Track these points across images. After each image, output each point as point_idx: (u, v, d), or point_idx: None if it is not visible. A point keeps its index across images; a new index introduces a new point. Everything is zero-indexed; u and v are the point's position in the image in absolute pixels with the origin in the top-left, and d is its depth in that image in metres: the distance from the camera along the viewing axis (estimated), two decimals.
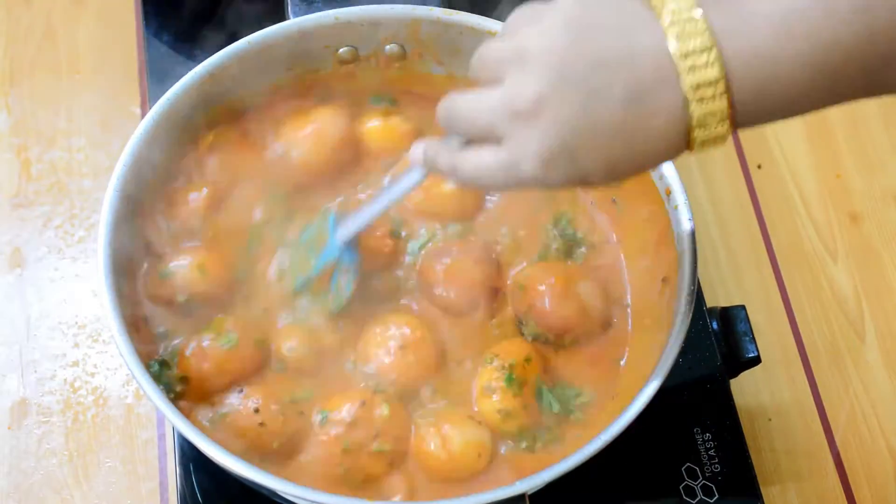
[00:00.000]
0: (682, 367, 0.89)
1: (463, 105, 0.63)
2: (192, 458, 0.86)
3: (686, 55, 0.56)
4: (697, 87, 0.56)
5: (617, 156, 0.59)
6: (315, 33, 0.87)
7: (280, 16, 0.93)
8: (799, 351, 1.03)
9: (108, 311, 0.75)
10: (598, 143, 0.58)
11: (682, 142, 0.58)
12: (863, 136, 1.14)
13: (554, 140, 0.58)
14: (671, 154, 0.60)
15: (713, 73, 0.56)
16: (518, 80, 0.59)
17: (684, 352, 0.75)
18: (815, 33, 0.55)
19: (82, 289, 1.00)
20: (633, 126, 0.57)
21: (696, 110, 0.57)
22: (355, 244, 0.81)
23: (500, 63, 0.60)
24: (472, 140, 0.63)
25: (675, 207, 0.80)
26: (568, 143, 0.58)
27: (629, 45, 0.57)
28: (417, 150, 0.68)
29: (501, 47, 0.60)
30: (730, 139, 0.59)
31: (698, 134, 0.57)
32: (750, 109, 0.57)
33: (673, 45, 0.56)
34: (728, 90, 0.56)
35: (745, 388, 0.99)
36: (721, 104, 0.56)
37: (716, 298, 1.03)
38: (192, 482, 0.86)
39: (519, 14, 0.61)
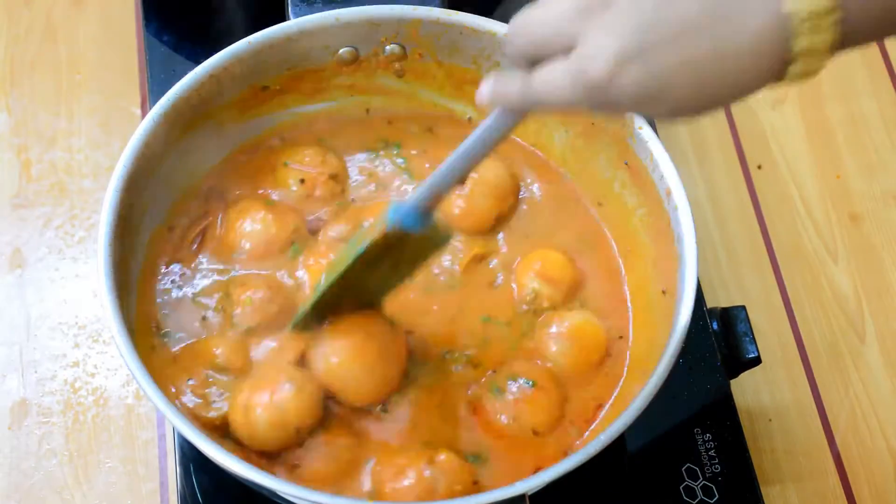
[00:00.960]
0: (682, 367, 0.89)
1: (531, 15, 0.59)
2: (192, 458, 0.86)
3: None
4: None
5: (700, 62, 0.53)
6: (315, 33, 0.87)
7: (280, 16, 0.93)
8: (799, 351, 1.03)
9: (108, 312, 0.74)
10: (678, 42, 0.53)
11: (777, 55, 0.53)
12: (863, 137, 1.14)
13: (627, 34, 0.53)
14: (762, 72, 0.53)
15: None
16: None
17: (684, 352, 0.75)
18: None
19: (82, 289, 1.00)
20: (717, 25, 0.52)
21: (796, 4, 0.51)
22: (426, 212, 0.71)
23: None
24: (541, 57, 0.59)
25: (675, 207, 0.80)
26: (642, 39, 0.53)
27: None
28: (485, 87, 0.63)
29: None
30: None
31: (800, 42, 0.52)
32: (859, 15, 0.52)
33: None
34: None
35: (746, 389, 0.99)
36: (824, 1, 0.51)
37: (716, 299, 1.03)
38: (192, 482, 0.86)
39: None
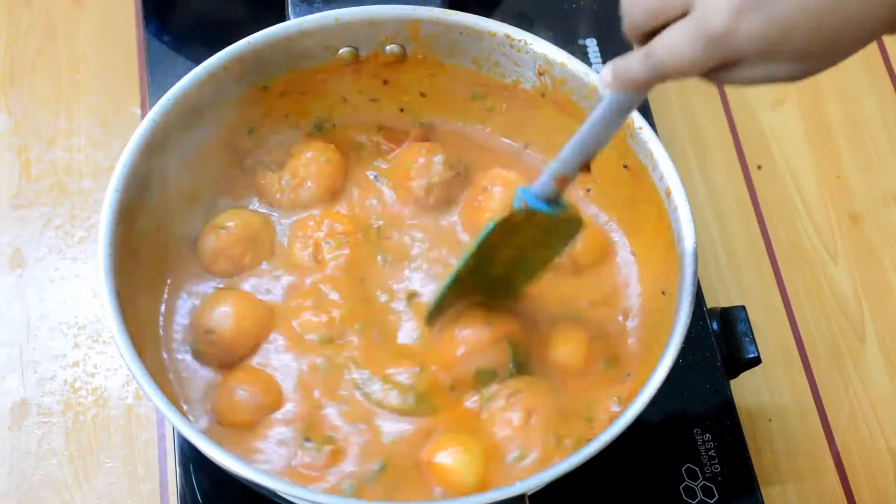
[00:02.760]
0: (682, 368, 0.89)
1: None
2: (192, 459, 0.86)
3: None
4: None
5: (817, 4, 0.55)
6: (315, 34, 0.87)
7: (280, 16, 0.93)
8: (799, 351, 1.03)
9: (107, 312, 0.74)
10: None
11: None
12: (863, 137, 1.14)
13: None
14: (883, 10, 0.55)
15: None
16: None
17: (684, 352, 0.75)
18: None
19: (82, 289, 1.00)
20: None
21: None
22: (553, 194, 0.73)
23: None
24: (659, 26, 0.60)
25: (675, 208, 0.80)
26: None
27: None
28: (606, 69, 0.64)
29: None
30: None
31: None
32: None
33: None
34: None
35: (745, 389, 0.99)
36: None
37: (716, 299, 1.03)
38: (192, 482, 0.86)
39: None
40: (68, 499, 0.91)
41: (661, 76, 0.62)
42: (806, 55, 0.57)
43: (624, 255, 0.89)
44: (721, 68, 0.60)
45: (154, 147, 0.82)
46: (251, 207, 0.90)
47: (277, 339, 0.84)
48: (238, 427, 0.80)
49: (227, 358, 0.83)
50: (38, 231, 1.03)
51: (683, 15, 0.59)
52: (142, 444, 0.94)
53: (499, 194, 0.88)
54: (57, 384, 0.96)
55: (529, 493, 0.71)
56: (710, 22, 0.57)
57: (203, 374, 0.83)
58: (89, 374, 0.96)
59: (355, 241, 0.88)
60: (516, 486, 0.70)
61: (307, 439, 0.79)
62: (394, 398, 0.81)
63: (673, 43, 0.59)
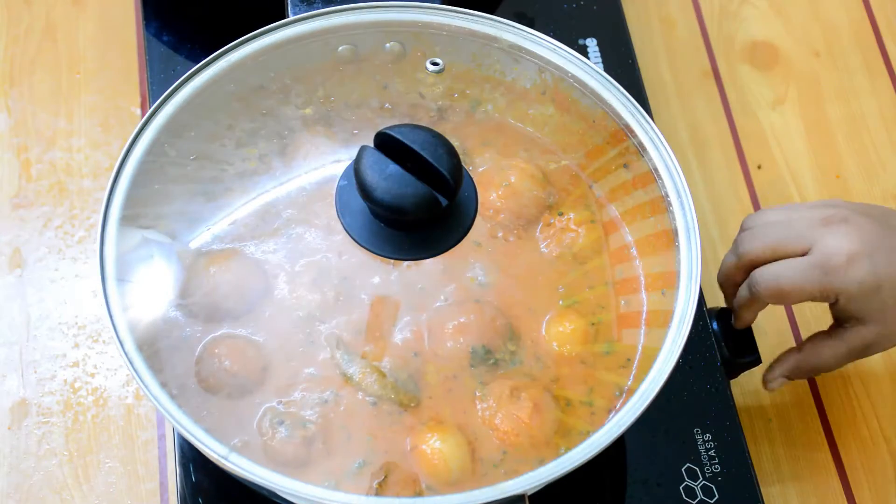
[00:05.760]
0: (683, 367, 0.89)
1: (772, 220, 0.83)
2: (192, 459, 0.86)
3: None
4: None
5: None
6: (315, 33, 0.87)
7: (280, 16, 0.93)
8: None
9: (107, 312, 0.74)
10: (890, 257, 0.78)
11: None
12: (863, 137, 1.14)
13: (859, 242, 0.77)
14: None
15: None
16: (828, 212, 0.81)
17: (684, 352, 0.75)
18: None
19: (82, 289, 1.00)
20: None
21: None
22: None
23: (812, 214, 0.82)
24: (774, 257, 0.81)
25: (676, 208, 0.80)
26: (869, 246, 0.77)
27: None
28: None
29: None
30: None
31: None
32: None
33: None
34: None
35: (745, 389, 0.99)
36: None
37: (716, 299, 1.03)
38: (192, 482, 0.86)
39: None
40: (68, 499, 0.91)
41: (761, 292, 0.82)
42: (883, 312, 0.81)
43: (625, 252, 0.89)
44: (824, 292, 0.80)
45: (154, 147, 0.82)
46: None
47: (266, 308, 0.84)
48: (219, 396, 0.80)
49: (215, 313, 0.82)
50: (38, 231, 1.03)
51: (801, 251, 0.80)
52: (142, 444, 0.94)
53: (513, 178, 0.88)
54: (57, 384, 0.96)
55: (529, 492, 0.71)
56: (830, 259, 0.78)
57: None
58: (89, 374, 0.96)
59: None
60: (517, 485, 0.70)
61: (280, 421, 0.79)
62: (371, 383, 0.81)
63: (785, 271, 0.80)
